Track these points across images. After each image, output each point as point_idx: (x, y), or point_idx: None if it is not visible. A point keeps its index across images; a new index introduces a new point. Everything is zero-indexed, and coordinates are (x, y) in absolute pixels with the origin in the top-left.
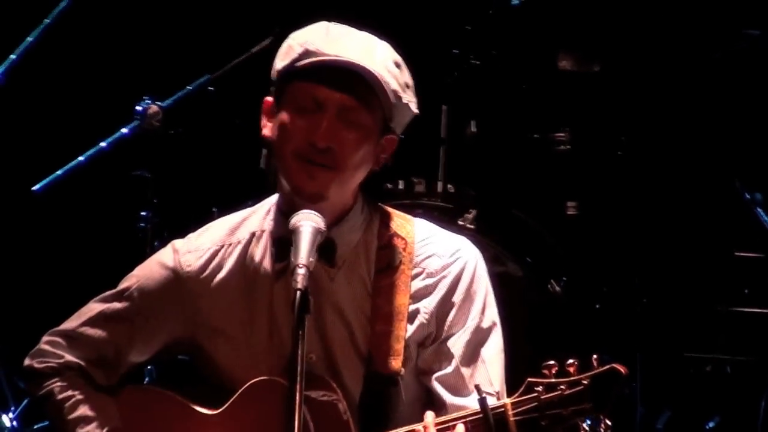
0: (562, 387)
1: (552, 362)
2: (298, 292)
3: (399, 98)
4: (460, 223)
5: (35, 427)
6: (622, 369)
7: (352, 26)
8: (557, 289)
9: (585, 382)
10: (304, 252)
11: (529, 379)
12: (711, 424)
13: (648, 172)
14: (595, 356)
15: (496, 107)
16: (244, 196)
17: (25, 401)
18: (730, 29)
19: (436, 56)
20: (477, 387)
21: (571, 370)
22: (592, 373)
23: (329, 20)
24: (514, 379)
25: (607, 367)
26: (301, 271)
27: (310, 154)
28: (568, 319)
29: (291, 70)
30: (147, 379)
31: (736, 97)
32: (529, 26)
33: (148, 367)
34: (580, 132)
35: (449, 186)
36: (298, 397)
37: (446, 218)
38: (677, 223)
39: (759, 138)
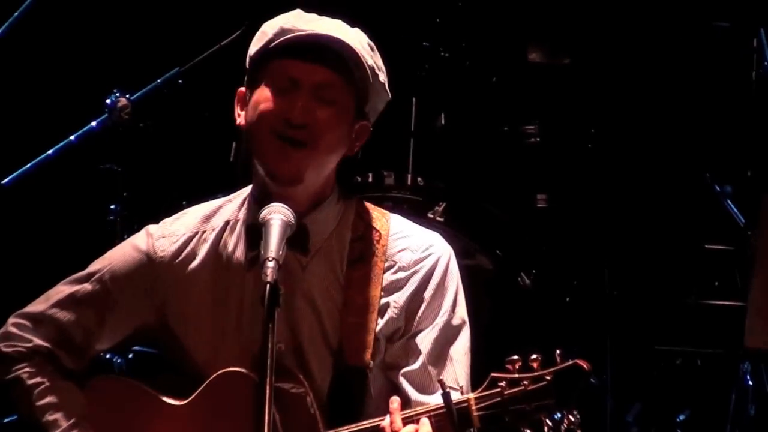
0: (525, 382)
1: (515, 357)
2: (268, 286)
3: (376, 76)
4: (430, 215)
5: (5, 420)
6: (584, 365)
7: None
8: (527, 282)
9: (548, 377)
10: (273, 245)
11: (493, 374)
12: (681, 417)
13: (618, 164)
14: (558, 351)
15: (465, 100)
16: (214, 190)
17: None
18: (700, 22)
19: (406, 49)
20: (441, 381)
21: (535, 365)
22: (555, 368)
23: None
24: (483, 373)
25: (570, 362)
26: (271, 264)
27: (285, 132)
28: (538, 312)
29: (265, 51)
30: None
31: (706, 90)
32: (499, 18)
33: (118, 361)
34: (549, 124)
35: (419, 179)
36: (268, 391)
37: (416, 211)
38: (647, 216)
39: (729, 130)
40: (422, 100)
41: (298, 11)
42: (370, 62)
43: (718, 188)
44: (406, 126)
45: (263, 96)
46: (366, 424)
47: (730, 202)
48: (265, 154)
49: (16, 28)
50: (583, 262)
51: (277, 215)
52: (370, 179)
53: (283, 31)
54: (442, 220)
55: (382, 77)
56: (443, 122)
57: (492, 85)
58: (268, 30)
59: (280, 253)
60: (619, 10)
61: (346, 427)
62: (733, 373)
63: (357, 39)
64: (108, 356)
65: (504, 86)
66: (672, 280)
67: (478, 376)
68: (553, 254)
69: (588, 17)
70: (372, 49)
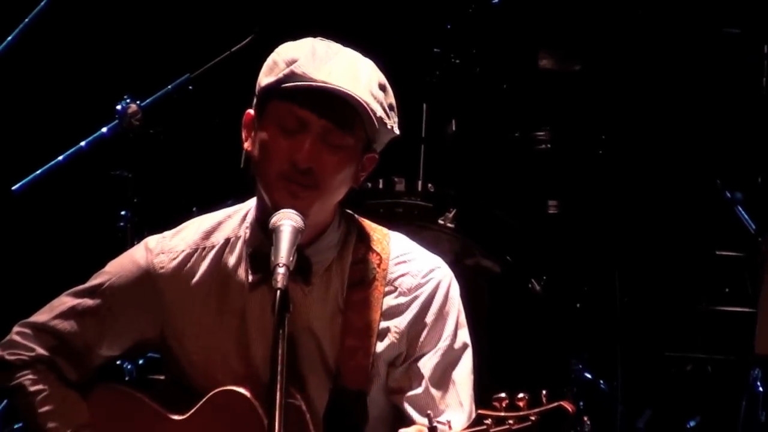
0: (510, 421)
1: (503, 395)
2: (278, 291)
3: (384, 124)
4: (441, 222)
5: (15, 427)
6: (569, 407)
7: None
8: (538, 288)
9: (533, 418)
10: (284, 251)
11: (479, 412)
12: (692, 423)
13: (629, 171)
14: (544, 392)
15: (476, 106)
16: (225, 196)
17: (5, 402)
18: (710, 28)
19: (416, 55)
20: (428, 416)
21: (521, 404)
22: (540, 409)
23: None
24: (495, 382)
25: (555, 404)
26: (281, 270)
27: (291, 175)
28: (548, 319)
29: (276, 88)
30: (126, 378)
31: (717, 96)
32: (510, 25)
33: (128, 367)
34: (560, 131)
35: (429, 185)
36: (278, 398)
37: (426, 217)
38: (658, 222)
39: (739, 137)
40: (433, 107)
41: (311, 45)
42: (380, 113)
43: (728, 195)
44: (417, 132)
45: (270, 134)
46: None
47: (740, 209)
48: (273, 191)
49: (27, 34)
50: (593, 269)
51: (288, 221)
52: (381, 185)
53: (293, 75)
54: (452, 226)
55: (391, 122)
56: (454, 128)
57: (503, 92)
58: (279, 62)
59: (291, 259)
60: (629, 17)
61: None
62: (743, 380)
63: (368, 87)
64: (119, 362)
65: (515, 92)
66: (683, 286)
67: (490, 384)
68: (563, 260)
69: (599, 24)
70: (383, 89)
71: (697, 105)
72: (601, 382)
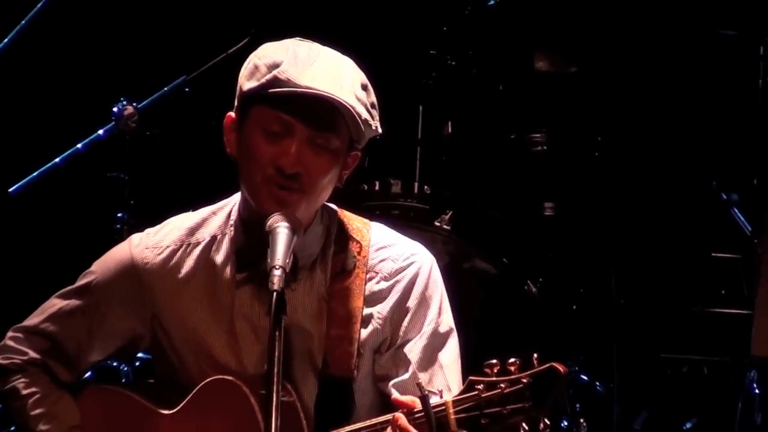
0: (502, 385)
1: (494, 361)
2: (275, 294)
3: (369, 126)
4: (437, 223)
5: (12, 429)
6: (560, 368)
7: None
8: (533, 289)
9: (524, 380)
10: (280, 253)
11: (471, 378)
12: (688, 425)
13: (625, 173)
14: (535, 355)
15: (472, 108)
16: (221, 198)
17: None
18: (707, 30)
19: (412, 57)
20: (419, 385)
21: (512, 368)
22: (532, 372)
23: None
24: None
25: (546, 366)
26: (278, 272)
27: (277, 180)
28: (544, 320)
29: (260, 92)
30: (123, 380)
31: (713, 98)
32: (506, 27)
33: (124, 369)
34: (556, 133)
35: (425, 187)
36: (275, 400)
37: (423, 219)
38: (654, 224)
39: (735, 139)
40: (429, 108)
41: (293, 48)
42: (365, 116)
43: (724, 196)
44: (413, 134)
45: (254, 138)
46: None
47: (736, 211)
48: (259, 197)
49: (24, 36)
50: (589, 270)
51: (283, 224)
52: (377, 187)
53: (277, 81)
54: (449, 228)
55: (375, 122)
56: (450, 130)
57: (499, 93)
58: (261, 66)
59: (287, 261)
60: (626, 19)
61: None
62: (739, 381)
63: (352, 90)
64: (115, 364)
65: (511, 94)
66: (678, 288)
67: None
68: (559, 262)
69: (595, 26)
70: (365, 89)
71: (693, 107)
72: (598, 383)
